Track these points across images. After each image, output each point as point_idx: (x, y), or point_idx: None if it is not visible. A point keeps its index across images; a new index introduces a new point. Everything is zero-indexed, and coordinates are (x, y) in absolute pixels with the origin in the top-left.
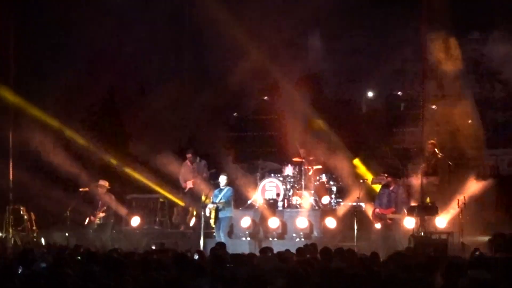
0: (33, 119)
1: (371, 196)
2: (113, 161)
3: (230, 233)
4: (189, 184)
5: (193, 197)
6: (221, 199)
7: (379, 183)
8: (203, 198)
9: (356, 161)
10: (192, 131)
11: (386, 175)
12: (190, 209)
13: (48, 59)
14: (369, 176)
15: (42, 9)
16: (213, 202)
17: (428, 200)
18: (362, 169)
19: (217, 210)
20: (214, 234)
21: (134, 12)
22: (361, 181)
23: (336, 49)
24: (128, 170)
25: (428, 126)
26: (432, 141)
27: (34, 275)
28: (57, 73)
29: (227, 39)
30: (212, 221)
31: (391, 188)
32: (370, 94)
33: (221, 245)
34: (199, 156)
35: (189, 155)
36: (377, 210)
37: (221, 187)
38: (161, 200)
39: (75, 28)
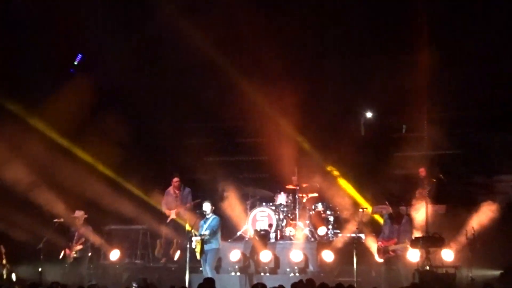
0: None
1: (371, 226)
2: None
3: (217, 268)
4: (172, 214)
5: (177, 228)
6: (206, 229)
7: (380, 212)
8: (188, 228)
9: (343, 182)
10: (176, 156)
11: (386, 203)
12: (175, 241)
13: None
14: (369, 205)
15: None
16: (197, 234)
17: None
18: (352, 191)
19: (202, 242)
20: (201, 268)
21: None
22: (360, 210)
23: (331, 66)
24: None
25: (431, 150)
26: (422, 168)
27: None
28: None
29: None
30: (198, 255)
31: (393, 218)
32: (368, 115)
33: (208, 281)
34: (183, 183)
35: (175, 179)
36: (379, 243)
37: (207, 216)
38: (142, 231)
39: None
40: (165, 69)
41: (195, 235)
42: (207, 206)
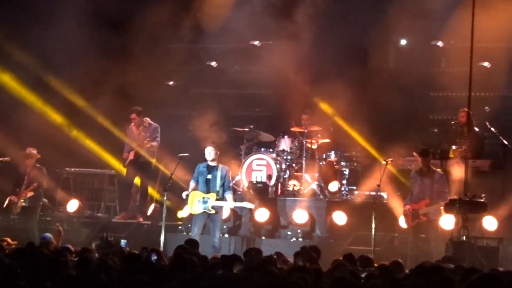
0: None
1: (396, 183)
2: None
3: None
4: (130, 156)
5: (140, 171)
6: (222, 185)
7: (408, 166)
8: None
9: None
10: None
11: (416, 155)
12: (150, 190)
13: None
14: (394, 157)
15: None
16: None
17: None
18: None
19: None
20: (181, 227)
21: None
22: (383, 162)
23: None
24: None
25: (477, 91)
26: (465, 109)
27: None
28: None
29: None
30: (194, 211)
31: (424, 174)
32: (403, 42)
33: (191, 243)
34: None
35: (133, 116)
36: (407, 206)
37: (209, 163)
38: (108, 177)
39: None
40: None
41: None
42: (210, 152)
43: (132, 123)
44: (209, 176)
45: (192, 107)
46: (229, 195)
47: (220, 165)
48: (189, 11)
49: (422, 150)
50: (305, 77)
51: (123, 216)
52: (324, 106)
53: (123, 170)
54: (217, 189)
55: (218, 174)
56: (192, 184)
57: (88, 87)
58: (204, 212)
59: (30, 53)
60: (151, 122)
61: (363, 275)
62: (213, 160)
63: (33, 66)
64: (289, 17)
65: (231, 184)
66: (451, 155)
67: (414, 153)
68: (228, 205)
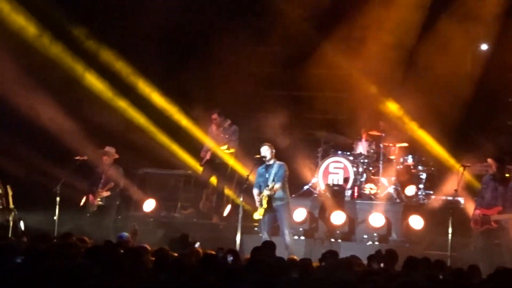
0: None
1: (472, 188)
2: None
3: (276, 229)
4: (207, 155)
5: (217, 172)
6: (275, 181)
7: (485, 172)
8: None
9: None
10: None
11: (492, 160)
12: (226, 191)
13: None
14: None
15: None
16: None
17: None
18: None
19: (270, 197)
20: (256, 228)
21: None
22: (461, 167)
23: None
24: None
25: None
26: None
27: (4, 272)
28: None
29: None
30: (261, 211)
31: (498, 180)
32: (483, 47)
33: (267, 245)
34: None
35: (214, 116)
36: (477, 211)
37: (267, 163)
38: (185, 178)
39: None
40: None
41: (266, 188)
42: (265, 151)
43: (213, 123)
44: (267, 175)
45: (267, 110)
46: (274, 185)
47: (276, 162)
48: (264, 16)
49: (498, 156)
50: (377, 81)
51: (190, 212)
52: (397, 110)
53: (200, 169)
54: (270, 184)
55: (273, 171)
56: (255, 191)
57: (167, 88)
58: (269, 212)
59: (113, 51)
60: (231, 123)
61: (437, 280)
62: (269, 159)
63: (112, 64)
64: (359, 20)
65: (284, 180)
66: None
67: (489, 159)
68: (266, 192)
